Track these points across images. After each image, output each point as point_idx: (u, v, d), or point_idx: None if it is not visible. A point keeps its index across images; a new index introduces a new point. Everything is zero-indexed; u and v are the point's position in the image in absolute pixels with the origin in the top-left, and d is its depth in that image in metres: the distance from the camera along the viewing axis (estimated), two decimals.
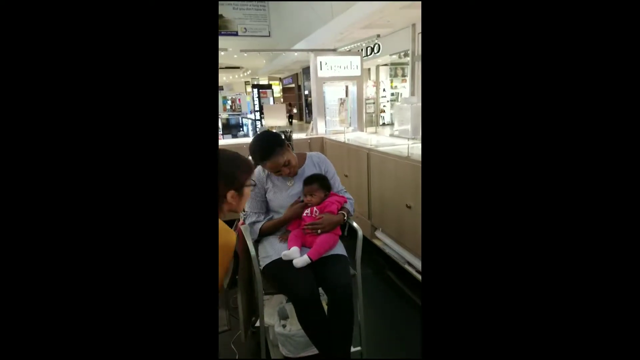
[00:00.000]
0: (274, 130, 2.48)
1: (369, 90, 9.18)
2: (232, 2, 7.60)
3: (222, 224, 0.88)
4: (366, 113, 4.57)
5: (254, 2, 7.79)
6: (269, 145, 1.38)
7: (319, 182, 1.43)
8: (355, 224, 1.41)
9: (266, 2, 7.71)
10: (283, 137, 1.48)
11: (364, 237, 1.36)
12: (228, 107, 6.39)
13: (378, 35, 3.53)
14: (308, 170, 1.51)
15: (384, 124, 9.21)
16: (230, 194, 0.92)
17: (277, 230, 1.46)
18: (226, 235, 0.85)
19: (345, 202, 1.46)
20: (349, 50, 3.72)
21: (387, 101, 9.44)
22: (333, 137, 3.39)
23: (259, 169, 1.50)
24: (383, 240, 2.48)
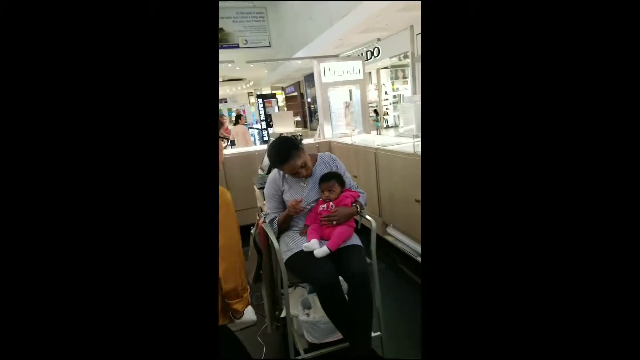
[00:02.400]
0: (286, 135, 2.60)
1: (371, 94, 9.29)
2: (231, 15, 7.77)
3: None
4: (370, 116, 4.67)
5: (253, 14, 7.94)
6: (286, 149, 1.48)
7: (335, 179, 1.53)
8: (368, 216, 1.51)
9: (265, 13, 7.85)
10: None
11: (376, 234, 1.46)
12: (234, 118, 6.58)
13: (379, 39, 3.63)
14: (320, 170, 1.60)
15: (387, 127, 9.30)
16: None
17: (286, 222, 1.55)
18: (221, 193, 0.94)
19: (358, 196, 1.56)
20: (350, 56, 3.84)
21: (390, 103, 9.56)
22: (340, 140, 3.50)
23: (274, 171, 1.60)
24: (394, 235, 2.57)
